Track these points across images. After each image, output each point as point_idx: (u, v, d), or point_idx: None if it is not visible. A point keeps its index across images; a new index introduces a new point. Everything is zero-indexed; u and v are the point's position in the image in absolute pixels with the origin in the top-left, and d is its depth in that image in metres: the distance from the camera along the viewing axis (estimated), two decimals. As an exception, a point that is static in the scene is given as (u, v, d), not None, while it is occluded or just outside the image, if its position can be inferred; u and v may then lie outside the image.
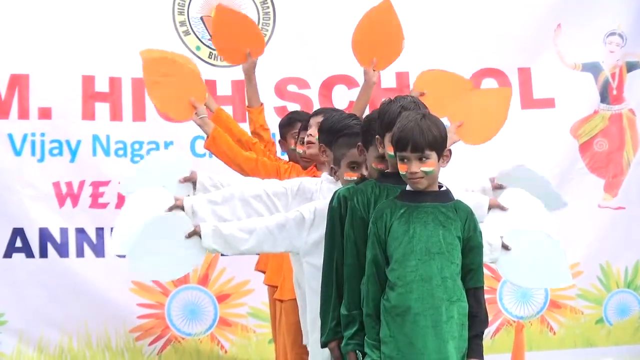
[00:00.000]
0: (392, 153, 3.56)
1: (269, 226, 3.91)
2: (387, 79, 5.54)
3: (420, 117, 3.45)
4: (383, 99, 3.91)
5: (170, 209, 4.25)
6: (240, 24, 5.23)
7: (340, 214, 3.71)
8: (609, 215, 5.89)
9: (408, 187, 3.53)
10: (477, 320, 3.50)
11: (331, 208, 3.71)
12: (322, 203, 3.91)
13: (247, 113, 5.28)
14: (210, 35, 5.62)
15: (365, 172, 3.91)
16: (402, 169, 3.45)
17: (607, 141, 5.96)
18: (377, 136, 3.70)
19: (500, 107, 5.15)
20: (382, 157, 3.67)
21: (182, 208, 4.25)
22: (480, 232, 3.54)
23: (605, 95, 5.97)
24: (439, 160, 3.40)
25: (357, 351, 3.53)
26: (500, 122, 5.12)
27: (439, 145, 3.39)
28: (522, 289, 5.71)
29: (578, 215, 5.69)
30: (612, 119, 5.98)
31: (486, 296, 5.65)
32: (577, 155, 5.95)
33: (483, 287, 3.57)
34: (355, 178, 3.86)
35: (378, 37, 5.19)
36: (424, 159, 3.41)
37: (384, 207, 3.53)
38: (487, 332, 5.67)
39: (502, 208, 4.29)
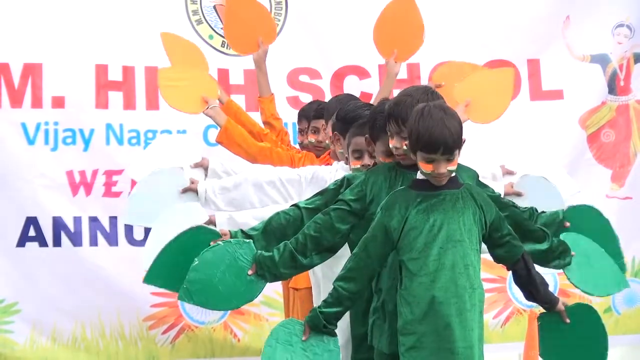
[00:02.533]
0: (407, 148, 3.47)
1: None
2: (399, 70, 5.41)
3: (444, 115, 3.33)
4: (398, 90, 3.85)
5: (185, 190, 4.26)
6: (252, 11, 5.17)
7: (337, 191, 3.64)
8: (616, 205, 5.80)
9: (420, 176, 3.43)
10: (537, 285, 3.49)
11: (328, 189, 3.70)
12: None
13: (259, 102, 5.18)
14: (223, 25, 5.50)
15: (368, 162, 3.82)
16: (428, 168, 3.35)
17: (614, 132, 5.90)
18: (389, 131, 3.59)
19: (504, 87, 5.13)
20: (389, 152, 3.57)
21: (196, 191, 4.27)
22: (492, 204, 3.46)
23: (612, 87, 5.91)
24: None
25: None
26: (506, 101, 5.08)
27: (462, 142, 3.30)
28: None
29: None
30: (619, 110, 5.92)
31: (496, 285, 5.68)
32: (585, 146, 5.89)
33: (524, 252, 3.48)
34: (359, 166, 3.79)
35: (399, 29, 5.20)
36: (451, 159, 3.33)
37: (398, 198, 3.42)
38: (498, 321, 5.75)
39: (518, 194, 4.23)
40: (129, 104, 5.61)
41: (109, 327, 5.55)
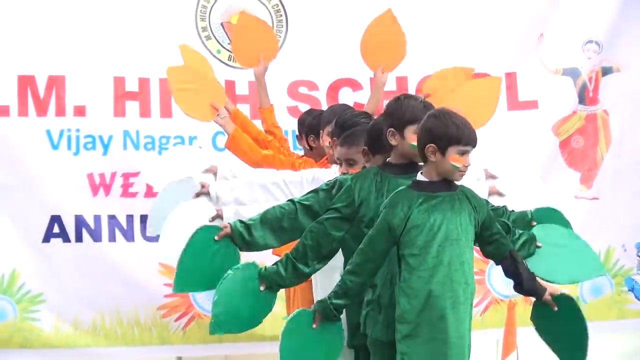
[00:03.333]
0: (414, 144, 3.54)
1: None
2: (389, 83, 5.54)
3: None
4: (387, 101, 3.95)
5: (197, 194, 4.38)
6: (259, 30, 5.32)
7: (329, 192, 3.74)
8: (584, 205, 5.93)
9: (420, 177, 3.51)
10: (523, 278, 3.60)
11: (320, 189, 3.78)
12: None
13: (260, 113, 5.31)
14: (230, 39, 5.67)
15: (345, 170, 3.97)
16: (461, 161, 3.44)
17: (583, 138, 5.98)
18: (390, 129, 3.66)
19: (491, 95, 5.22)
20: (386, 164, 3.72)
21: (208, 193, 4.39)
22: (484, 205, 3.56)
23: (582, 97, 5.96)
24: None
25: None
26: (492, 108, 5.16)
27: None
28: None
29: (557, 205, 5.48)
30: (587, 119, 5.98)
31: (477, 277, 5.66)
32: (557, 151, 5.95)
33: (512, 249, 3.60)
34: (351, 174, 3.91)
35: (383, 43, 5.27)
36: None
37: (401, 197, 3.49)
38: (477, 310, 5.80)
39: (501, 194, 4.39)
40: (145, 112, 5.66)
41: (126, 315, 5.60)
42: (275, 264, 3.68)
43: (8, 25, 5.54)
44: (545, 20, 5.96)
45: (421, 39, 5.67)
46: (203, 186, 4.40)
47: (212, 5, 5.83)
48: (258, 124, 5.35)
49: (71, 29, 5.60)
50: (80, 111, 5.61)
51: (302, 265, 3.65)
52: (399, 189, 3.54)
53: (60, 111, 5.59)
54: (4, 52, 5.53)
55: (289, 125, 5.56)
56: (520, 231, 3.78)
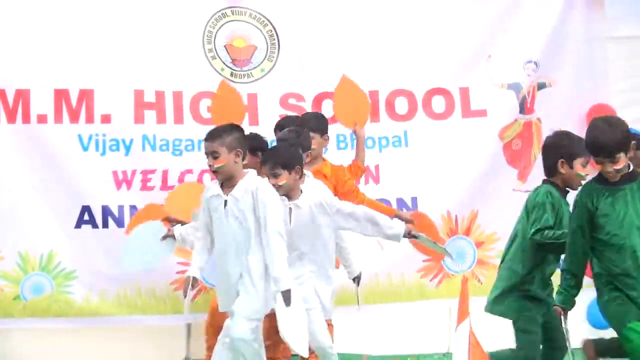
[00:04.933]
0: (581, 173, 4.19)
1: None
2: (364, 96, 6.01)
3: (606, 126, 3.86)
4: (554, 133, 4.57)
5: (164, 237, 5.11)
6: (234, 101, 5.81)
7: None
8: (520, 196, 5.94)
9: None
10: None
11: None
12: None
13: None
14: (231, 60, 6.09)
15: (277, 181, 4.53)
16: (599, 168, 3.85)
17: (521, 141, 6.39)
18: (561, 159, 4.28)
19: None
20: None
21: (174, 236, 5.12)
22: None
23: (522, 107, 6.38)
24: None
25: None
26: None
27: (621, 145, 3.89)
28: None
29: (499, 197, 6.27)
30: (525, 125, 6.40)
31: (431, 257, 6.00)
32: (501, 152, 6.37)
33: None
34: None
35: (350, 103, 5.75)
36: (614, 160, 3.81)
37: (591, 189, 3.93)
38: (433, 282, 6.25)
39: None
40: (161, 119, 5.98)
41: (144, 288, 5.90)
42: None
43: (45, 48, 5.89)
44: (493, 44, 6.42)
45: (389, 59, 6.19)
46: (169, 229, 5.02)
47: (217, 31, 6.15)
48: (258, 130, 5.67)
49: (99, 51, 5.98)
50: (106, 119, 5.93)
51: None
52: (584, 184, 4.00)
53: (90, 119, 5.92)
54: (42, 70, 5.89)
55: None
56: None
